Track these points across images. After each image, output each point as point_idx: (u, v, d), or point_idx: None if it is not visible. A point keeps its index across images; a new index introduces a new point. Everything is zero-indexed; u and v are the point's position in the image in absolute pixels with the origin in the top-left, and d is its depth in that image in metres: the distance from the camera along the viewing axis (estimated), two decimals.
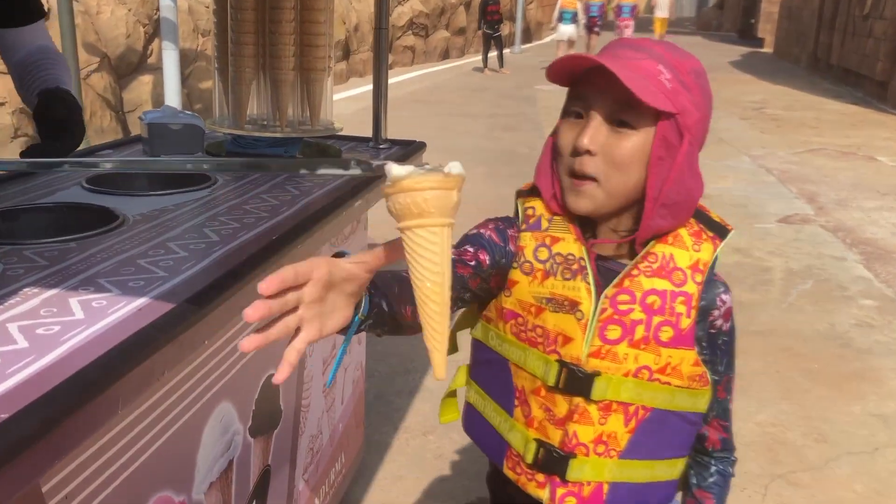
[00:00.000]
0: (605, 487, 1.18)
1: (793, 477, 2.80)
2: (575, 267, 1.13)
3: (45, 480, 0.96)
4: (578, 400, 1.14)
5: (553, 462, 1.17)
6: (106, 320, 1.06)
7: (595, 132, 1.06)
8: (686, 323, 1.13)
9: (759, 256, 5.11)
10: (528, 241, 1.16)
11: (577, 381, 1.13)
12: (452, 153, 8.00)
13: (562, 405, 1.16)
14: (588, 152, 1.07)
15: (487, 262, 1.14)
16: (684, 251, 1.13)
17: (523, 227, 1.17)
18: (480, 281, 1.15)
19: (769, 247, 5.33)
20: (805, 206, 6.40)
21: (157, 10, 7.62)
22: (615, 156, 1.06)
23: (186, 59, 8.39)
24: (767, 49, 22.57)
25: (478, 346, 1.31)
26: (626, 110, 1.05)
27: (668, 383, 1.15)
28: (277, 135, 2.09)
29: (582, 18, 15.55)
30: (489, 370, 1.27)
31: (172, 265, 1.29)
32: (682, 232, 1.13)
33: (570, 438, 1.16)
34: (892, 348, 3.87)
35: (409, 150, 2.40)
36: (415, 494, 2.64)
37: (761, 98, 12.86)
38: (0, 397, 0.86)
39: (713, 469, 1.28)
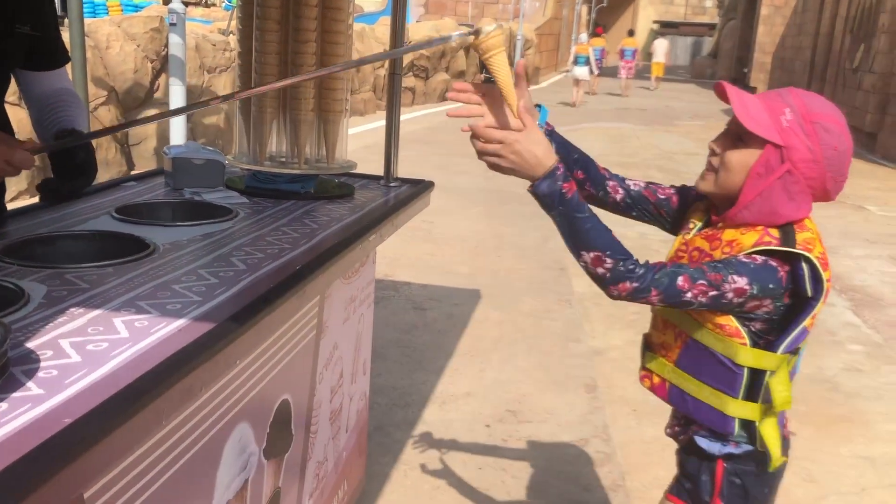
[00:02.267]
0: (667, 385, 1.59)
1: None
2: (691, 225, 1.58)
3: (87, 488, 1.04)
4: (654, 312, 1.62)
5: (642, 353, 1.66)
6: (150, 339, 1.15)
7: (721, 139, 1.49)
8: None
9: None
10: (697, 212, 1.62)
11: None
12: (451, 192, 8.13)
13: (654, 315, 1.63)
14: (713, 151, 1.49)
15: (660, 193, 1.67)
16: (734, 231, 1.46)
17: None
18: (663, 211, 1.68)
19: None
20: None
21: (166, 46, 7.80)
22: (727, 159, 1.46)
23: (192, 94, 8.55)
24: None
25: None
26: (745, 132, 1.42)
27: (698, 321, 1.48)
28: (295, 171, 2.20)
29: (593, 61, 18.42)
30: None
31: (205, 290, 1.38)
32: (753, 229, 1.44)
33: (650, 338, 1.65)
34: (879, 392, 3.96)
35: (418, 189, 2.50)
36: None
37: None
38: (61, 405, 0.95)
39: (632, 261, 1.41)
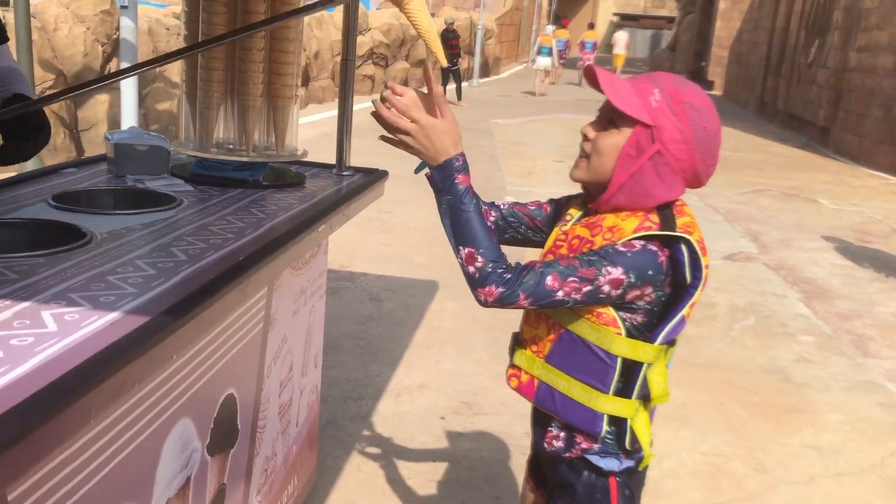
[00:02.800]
0: (536, 382, 1.50)
1: None
2: (567, 217, 1.53)
3: (11, 489, 0.98)
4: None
5: (511, 349, 1.58)
6: (78, 333, 1.09)
7: (593, 124, 1.44)
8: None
9: (705, 292, 5.25)
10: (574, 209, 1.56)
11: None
12: (410, 182, 8.04)
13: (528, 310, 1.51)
14: (585, 137, 1.45)
15: (533, 210, 1.63)
16: (615, 217, 1.42)
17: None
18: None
19: (714, 283, 5.49)
20: (749, 245, 6.62)
21: (117, 30, 7.60)
22: (598, 144, 1.42)
23: (144, 80, 8.35)
24: (717, 92, 23.25)
25: None
26: (616, 114, 1.39)
27: (575, 311, 1.41)
28: (243, 158, 2.13)
29: (555, 52, 19.09)
30: None
31: (142, 282, 1.32)
32: (633, 214, 1.41)
33: (521, 333, 1.56)
34: (828, 383, 4.02)
35: (372, 178, 2.46)
36: None
37: None
38: None
39: (503, 264, 1.36)
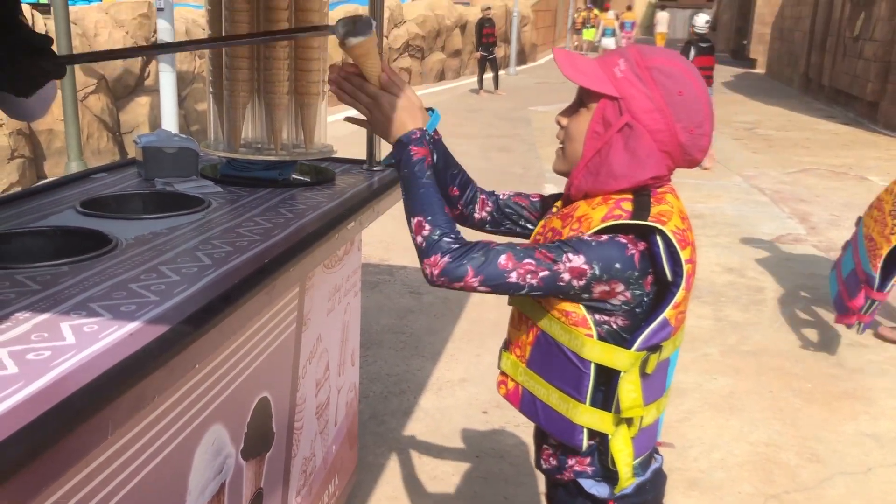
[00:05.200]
0: (520, 389, 1.40)
1: (787, 497, 2.79)
2: (553, 208, 1.45)
3: None
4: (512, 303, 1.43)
5: (499, 353, 1.48)
6: (97, 345, 1.07)
7: (565, 111, 1.37)
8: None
9: (752, 276, 5.13)
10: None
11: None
12: None
13: (512, 308, 1.44)
14: (560, 125, 1.37)
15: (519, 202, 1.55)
16: (586, 206, 1.31)
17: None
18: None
19: (762, 267, 5.35)
20: (797, 226, 6.44)
21: (155, 32, 7.68)
22: (569, 128, 1.35)
23: (183, 81, 8.43)
24: (760, 70, 22.73)
25: None
26: (583, 94, 1.32)
27: (545, 307, 1.31)
28: (272, 158, 2.11)
29: (619, 32, 22.98)
30: None
31: (164, 289, 1.29)
32: (601, 198, 1.30)
33: (508, 337, 1.45)
34: (883, 368, 3.88)
35: None
36: None
37: (754, 118, 12.94)
38: None
39: (453, 234, 1.26)
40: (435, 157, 1.42)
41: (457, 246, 1.22)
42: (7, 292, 1.25)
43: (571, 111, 1.35)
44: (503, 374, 1.45)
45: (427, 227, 1.24)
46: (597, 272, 1.21)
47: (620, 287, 1.24)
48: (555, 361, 1.32)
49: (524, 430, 3.14)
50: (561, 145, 1.38)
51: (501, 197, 1.55)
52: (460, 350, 3.88)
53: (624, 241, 1.24)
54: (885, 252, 3.51)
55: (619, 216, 1.25)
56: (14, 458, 0.83)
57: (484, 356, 3.79)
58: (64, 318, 1.15)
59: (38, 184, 1.91)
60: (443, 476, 2.85)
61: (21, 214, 1.72)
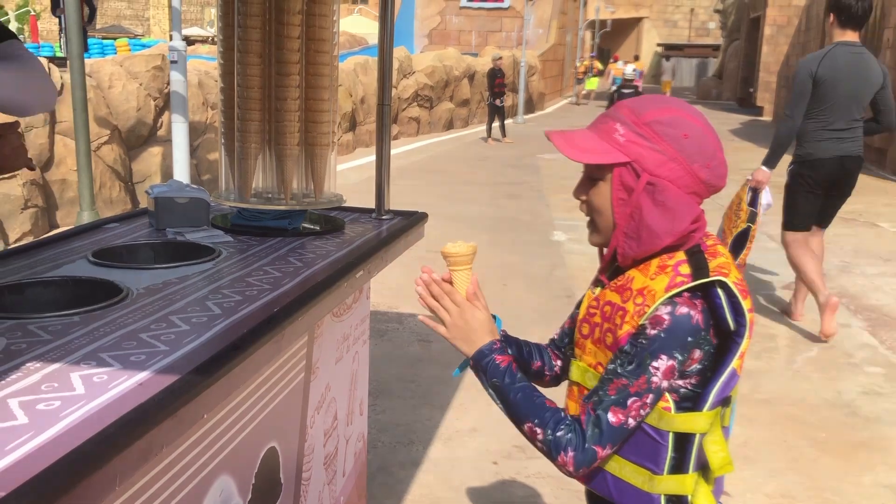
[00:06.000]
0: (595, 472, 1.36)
1: None
2: (599, 279, 1.45)
3: None
4: (570, 379, 1.46)
5: None
6: (106, 395, 1.07)
7: (578, 186, 1.38)
8: (621, 333, 1.30)
9: (764, 324, 5.09)
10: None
11: (568, 363, 1.50)
12: (456, 221, 8.07)
13: (569, 383, 1.47)
14: (581, 200, 1.38)
15: None
16: (643, 276, 1.31)
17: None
18: None
19: (773, 314, 5.31)
20: None
21: (168, 84, 7.81)
22: (592, 203, 1.36)
23: (196, 131, 8.55)
24: (767, 117, 22.88)
25: None
26: (594, 169, 1.34)
27: None
28: (282, 207, 2.13)
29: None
30: None
31: (174, 339, 1.30)
32: (654, 261, 1.31)
33: (566, 410, 1.38)
34: None
35: (411, 221, 2.43)
36: None
37: (759, 165, 12.97)
38: None
39: (562, 425, 1.29)
40: (511, 350, 1.48)
41: (570, 434, 1.26)
42: (19, 342, 1.25)
43: (587, 185, 1.36)
44: None
45: (538, 430, 1.29)
46: (680, 358, 1.25)
47: (698, 353, 1.27)
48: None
49: (535, 480, 3.10)
50: (588, 217, 1.40)
51: (556, 338, 1.59)
52: (471, 399, 3.85)
53: (685, 310, 1.24)
54: (730, 240, 4.00)
55: (683, 282, 1.25)
56: None
57: (494, 406, 3.75)
58: (74, 368, 1.16)
59: (51, 234, 1.93)
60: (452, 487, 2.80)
61: (34, 265, 1.74)
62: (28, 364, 1.17)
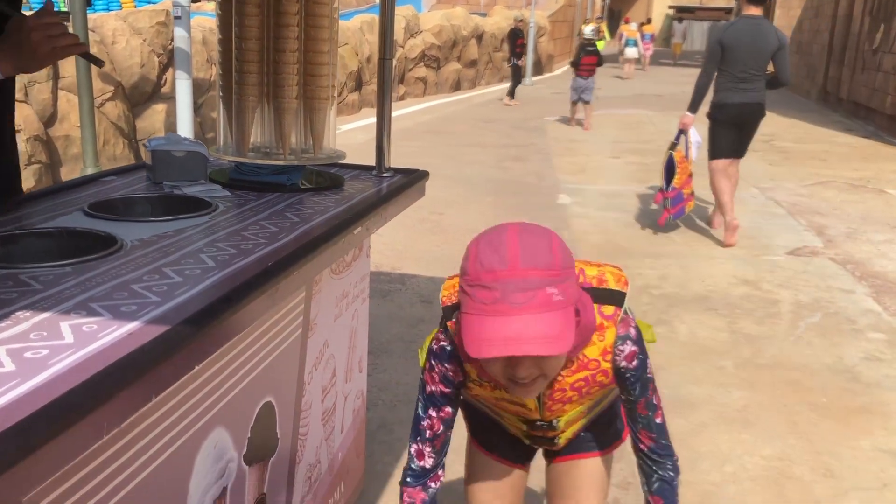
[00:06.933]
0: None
1: None
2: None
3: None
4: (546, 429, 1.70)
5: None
6: (95, 344, 1.06)
7: (528, 369, 1.33)
8: (608, 381, 1.56)
9: (768, 289, 5.08)
10: (471, 370, 1.55)
11: (540, 425, 1.70)
12: (461, 182, 8.02)
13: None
14: (523, 376, 1.35)
15: (450, 409, 1.60)
16: (593, 346, 1.49)
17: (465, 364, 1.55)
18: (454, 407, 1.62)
19: (778, 279, 5.29)
20: (814, 239, 6.37)
21: (172, 40, 7.74)
22: (547, 368, 1.36)
23: (200, 88, 8.49)
24: None
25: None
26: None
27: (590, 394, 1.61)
28: (280, 162, 2.10)
29: (640, 43, 24.67)
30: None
31: (166, 290, 1.29)
32: (590, 343, 1.49)
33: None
34: None
35: (412, 179, 2.40)
36: None
37: (771, 130, 12.83)
38: None
39: (655, 477, 1.62)
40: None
41: (668, 472, 1.64)
42: (9, 291, 1.24)
43: (537, 360, 1.32)
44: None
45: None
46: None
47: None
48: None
49: None
50: (535, 381, 1.36)
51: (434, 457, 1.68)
52: None
53: (632, 329, 1.51)
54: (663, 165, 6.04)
55: (614, 327, 1.49)
56: (7, 455, 0.82)
57: None
58: (64, 317, 1.15)
59: (48, 186, 1.91)
60: (451, 487, 2.82)
61: (30, 216, 1.72)
62: (18, 313, 1.16)
